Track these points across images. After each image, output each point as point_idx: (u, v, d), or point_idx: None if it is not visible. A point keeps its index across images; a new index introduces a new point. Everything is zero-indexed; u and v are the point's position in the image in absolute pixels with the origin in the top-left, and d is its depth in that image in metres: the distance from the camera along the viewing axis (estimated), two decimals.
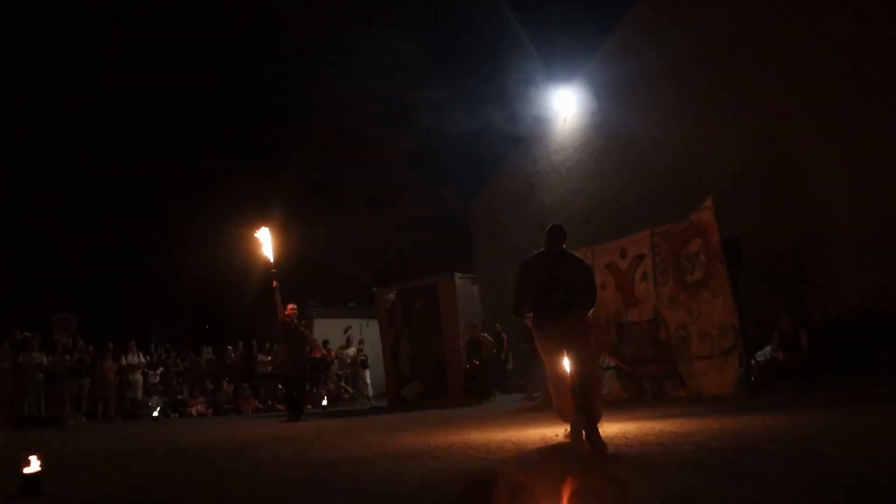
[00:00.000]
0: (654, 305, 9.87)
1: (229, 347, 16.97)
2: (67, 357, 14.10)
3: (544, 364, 5.41)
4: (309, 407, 15.48)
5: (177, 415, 14.80)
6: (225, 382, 16.01)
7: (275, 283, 10.81)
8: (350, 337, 17.38)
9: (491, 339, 12.87)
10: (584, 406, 4.71)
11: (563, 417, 5.24)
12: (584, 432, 4.56)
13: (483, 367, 12.28)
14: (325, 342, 17.30)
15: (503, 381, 14.85)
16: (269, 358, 16.65)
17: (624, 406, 8.44)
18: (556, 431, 5.47)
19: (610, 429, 5.52)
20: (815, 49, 11.44)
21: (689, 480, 3.17)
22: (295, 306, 11.31)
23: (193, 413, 14.83)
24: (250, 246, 11.32)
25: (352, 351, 16.77)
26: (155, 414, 14.23)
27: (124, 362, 14.81)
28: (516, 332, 13.09)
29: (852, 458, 3.46)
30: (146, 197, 26.44)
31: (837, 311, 10.36)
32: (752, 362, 8.79)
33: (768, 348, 9.19)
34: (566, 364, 5.12)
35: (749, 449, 4.00)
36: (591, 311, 5.39)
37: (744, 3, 12.69)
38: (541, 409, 9.00)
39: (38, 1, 27.34)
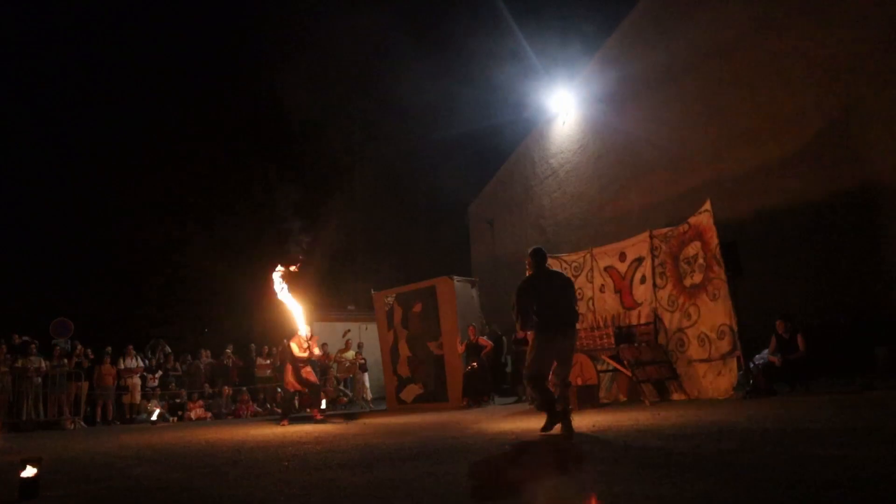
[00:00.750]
0: (653, 308, 9.88)
1: (227, 350, 16.94)
2: (65, 361, 14.08)
3: (535, 367, 5.92)
4: (307, 410, 15.47)
5: (175, 419, 14.78)
6: (224, 387, 16.00)
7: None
8: (349, 340, 17.36)
9: (490, 341, 12.89)
10: (563, 404, 5.72)
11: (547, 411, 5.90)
12: (560, 424, 5.57)
13: (482, 370, 12.29)
14: (324, 345, 17.29)
15: (502, 383, 14.83)
16: (268, 361, 16.63)
17: (623, 408, 8.44)
18: (554, 432, 5.48)
19: (609, 431, 5.53)
20: (811, 51, 11.48)
21: (687, 482, 3.17)
22: (317, 338, 11.25)
23: (192, 417, 14.80)
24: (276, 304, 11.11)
25: (350, 354, 16.74)
26: (153, 418, 14.20)
27: (122, 366, 14.79)
28: (514, 335, 13.10)
29: (850, 460, 3.47)
30: (144, 198, 26.44)
31: (835, 313, 10.39)
32: (751, 365, 8.80)
33: (766, 351, 9.19)
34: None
35: (747, 451, 4.01)
36: None
37: (740, 6, 12.72)
38: (538, 412, 8.99)
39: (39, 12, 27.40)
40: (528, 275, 6.32)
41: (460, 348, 12.21)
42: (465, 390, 12.04)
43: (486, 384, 12.46)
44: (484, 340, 12.64)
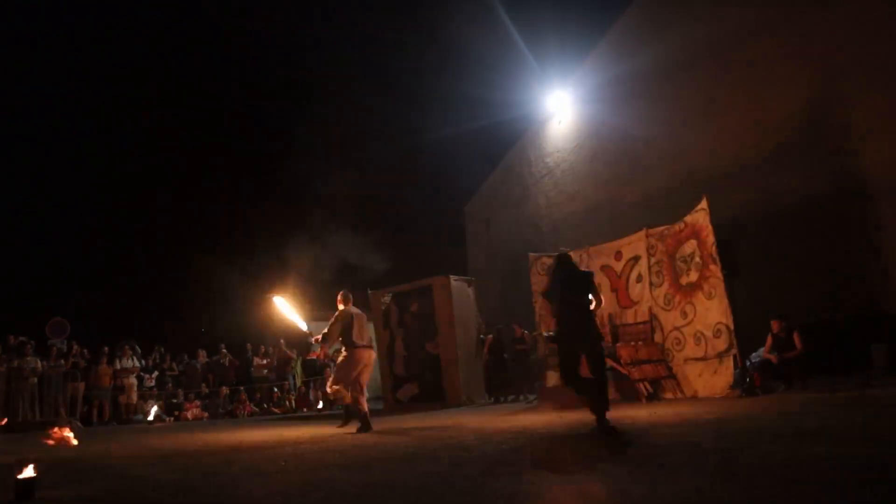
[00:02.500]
0: (649, 307, 9.90)
1: (223, 350, 16.88)
2: (62, 361, 14.04)
3: (346, 374, 7.56)
4: (304, 410, 15.46)
5: (172, 419, 14.75)
6: (221, 386, 15.97)
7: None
8: None
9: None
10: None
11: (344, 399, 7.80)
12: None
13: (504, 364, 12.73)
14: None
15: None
16: (265, 361, 16.61)
17: (619, 407, 8.44)
18: (552, 431, 5.48)
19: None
20: (807, 49, 11.50)
21: (684, 481, 3.18)
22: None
23: (189, 417, 14.77)
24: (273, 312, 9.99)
25: None
26: (150, 418, 14.17)
27: (119, 366, 14.75)
28: (509, 335, 13.11)
29: (846, 458, 3.48)
30: (138, 197, 26.43)
31: (832, 311, 10.40)
32: (747, 363, 8.81)
33: (762, 349, 9.21)
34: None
35: (744, 450, 4.02)
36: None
37: (736, 5, 12.74)
38: (537, 411, 9.02)
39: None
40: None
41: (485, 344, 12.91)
42: (492, 384, 12.70)
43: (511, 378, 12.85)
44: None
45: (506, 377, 12.68)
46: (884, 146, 10.45)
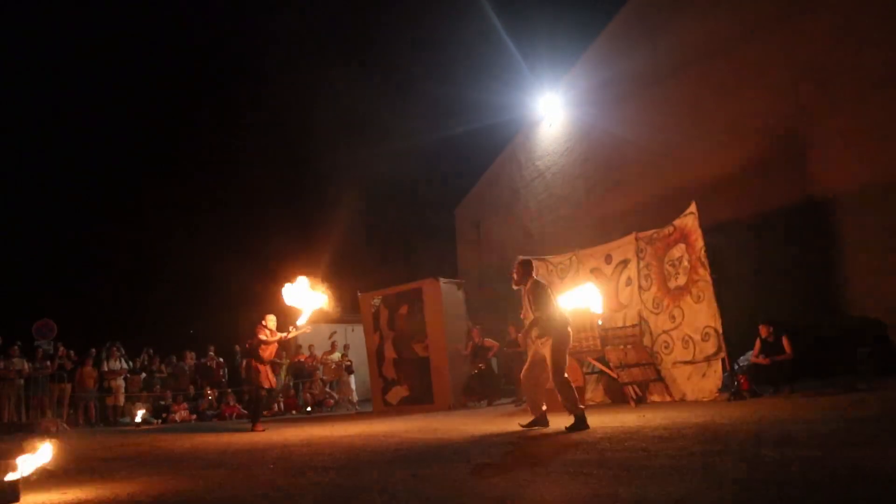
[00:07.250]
0: (638, 311, 9.93)
1: (210, 352, 16.78)
2: (48, 363, 13.93)
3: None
4: (293, 412, 15.42)
5: (160, 421, 14.66)
6: (208, 388, 15.87)
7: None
8: (335, 342, 17.31)
9: (496, 342, 12.96)
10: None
11: None
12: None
13: (489, 371, 12.55)
14: (310, 347, 17.23)
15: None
16: None
17: (608, 410, 8.47)
18: (539, 435, 5.48)
19: (594, 433, 5.55)
20: (796, 57, 11.58)
21: (672, 485, 3.19)
22: None
23: (177, 419, 14.68)
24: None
25: (336, 356, 16.69)
26: (137, 420, 14.07)
27: (106, 368, 14.65)
28: (504, 338, 13.11)
29: (834, 461, 3.50)
30: (129, 197, 26.32)
31: (819, 314, 10.47)
32: (735, 367, 8.85)
33: (750, 353, 9.25)
34: None
35: (731, 452, 4.03)
36: None
37: (726, 12, 12.81)
38: (525, 413, 9.01)
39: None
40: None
41: (466, 350, 12.37)
42: (467, 390, 12.19)
43: (491, 387, 12.60)
44: (490, 342, 12.75)
45: (487, 384, 12.61)
46: (874, 151, 10.51)
